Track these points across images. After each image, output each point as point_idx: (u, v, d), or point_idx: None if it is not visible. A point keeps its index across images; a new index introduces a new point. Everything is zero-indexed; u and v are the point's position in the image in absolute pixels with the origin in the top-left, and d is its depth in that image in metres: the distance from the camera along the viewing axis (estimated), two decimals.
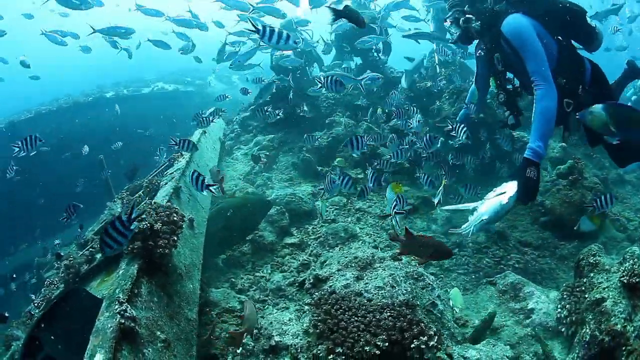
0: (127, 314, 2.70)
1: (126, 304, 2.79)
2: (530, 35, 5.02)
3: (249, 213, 6.16)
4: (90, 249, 5.62)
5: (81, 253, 6.07)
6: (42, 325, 3.18)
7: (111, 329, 2.60)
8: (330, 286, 4.50)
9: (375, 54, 12.20)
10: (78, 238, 7.50)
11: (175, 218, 3.82)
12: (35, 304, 5.42)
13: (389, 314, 3.93)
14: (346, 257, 4.95)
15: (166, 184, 5.49)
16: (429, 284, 4.60)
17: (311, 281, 4.87)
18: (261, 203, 6.43)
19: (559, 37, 5.35)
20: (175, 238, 3.69)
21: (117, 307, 2.73)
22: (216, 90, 21.11)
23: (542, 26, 5.20)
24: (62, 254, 6.87)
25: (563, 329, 4.27)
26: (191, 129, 11.80)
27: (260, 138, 10.66)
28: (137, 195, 6.86)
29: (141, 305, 3.00)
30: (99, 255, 5.36)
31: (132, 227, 3.23)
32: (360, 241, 6.01)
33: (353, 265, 4.77)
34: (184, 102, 18.13)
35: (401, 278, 4.47)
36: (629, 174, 8.91)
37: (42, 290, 5.82)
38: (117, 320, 2.65)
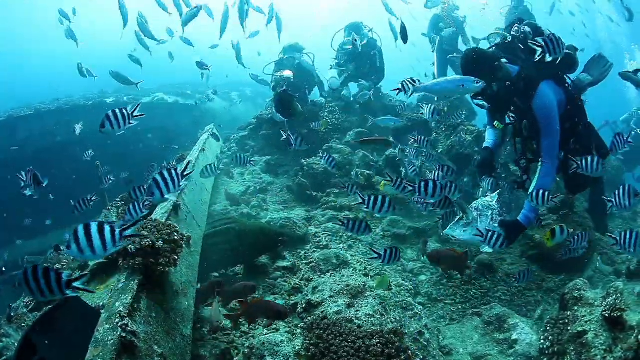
0: (129, 329, 2.79)
1: (127, 318, 2.88)
2: (555, 116, 5.65)
3: (260, 243, 6.27)
4: None
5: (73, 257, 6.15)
6: (38, 329, 3.26)
7: (112, 341, 2.69)
8: (323, 311, 4.65)
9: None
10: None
11: (176, 237, 3.91)
12: (25, 303, 5.46)
13: (377, 340, 4.06)
14: (338, 285, 5.09)
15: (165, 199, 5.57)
16: (417, 313, 4.78)
17: (304, 306, 4.99)
18: (275, 238, 6.49)
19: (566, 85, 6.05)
20: (176, 257, 3.78)
21: (118, 320, 2.82)
22: (215, 105, 21.19)
23: (557, 85, 5.91)
24: (61, 247, 6.92)
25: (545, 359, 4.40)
26: (187, 145, 11.89)
27: (257, 159, 10.77)
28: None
29: (140, 319, 3.09)
30: (91, 263, 5.44)
31: None
32: (352, 268, 6.11)
33: (345, 292, 4.91)
34: (183, 114, 18.15)
35: (391, 307, 4.65)
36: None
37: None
38: (119, 333, 2.74)
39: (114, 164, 10.65)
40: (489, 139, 6.64)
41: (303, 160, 9.27)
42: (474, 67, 5.59)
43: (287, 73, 11.01)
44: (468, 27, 14.01)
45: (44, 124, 15.16)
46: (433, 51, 13.85)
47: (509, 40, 6.11)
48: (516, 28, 6.08)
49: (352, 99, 12.32)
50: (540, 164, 5.68)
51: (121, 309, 2.98)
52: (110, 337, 2.73)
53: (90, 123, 15.61)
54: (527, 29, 6.05)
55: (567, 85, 6.09)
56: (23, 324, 4.22)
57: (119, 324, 2.79)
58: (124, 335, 2.74)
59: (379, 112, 11.19)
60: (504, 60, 5.70)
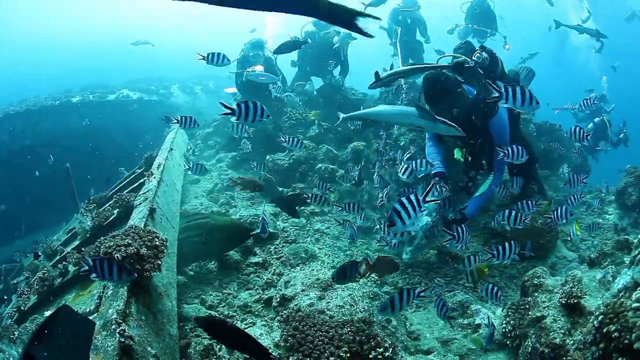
0: (126, 334, 3.02)
1: (124, 324, 3.12)
2: (507, 134, 6.38)
3: (231, 236, 6.49)
4: (64, 262, 5.85)
5: (52, 263, 6.29)
6: (36, 343, 3.44)
7: (112, 347, 2.92)
8: (296, 305, 4.96)
9: (335, 75, 12.62)
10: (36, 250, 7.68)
11: (157, 243, 4.12)
12: (8, 314, 5.57)
13: (349, 329, 4.43)
14: (309, 279, 5.39)
15: (140, 204, 5.75)
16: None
17: (278, 300, 5.29)
18: (243, 231, 6.71)
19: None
20: (159, 262, 4.00)
21: (115, 326, 3.06)
22: (179, 100, 21.23)
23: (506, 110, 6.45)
24: (39, 253, 7.04)
25: (508, 342, 4.74)
26: (154, 140, 12.00)
27: (222, 155, 10.96)
28: (103, 208, 7.04)
29: (133, 323, 3.31)
30: (71, 269, 5.61)
31: None
32: (320, 261, 6.43)
33: (315, 286, 5.23)
34: (147, 111, 18.11)
35: (359, 298, 4.96)
36: (586, 195, 9.50)
37: (14, 299, 5.98)
38: (117, 339, 2.97)
39: (85, 164, 10.75)
40: (436, 159, 6.81)
41: (268, 157, 9.50)
42: (440, 93, 6.07)
43: (259, 68, 11.20)
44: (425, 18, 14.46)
45: (14, 126, 15.08)
46: (391, 43, 14.16)
47: (471, 64, 6.52)
48: (478, 54, 6.54)
49: (314, 92, 12.56)
50: (493, 175, 6.42)
51: (115, 315, 3.22)
52: (109, 343, 2.96)
53: (58, 123, 15.57)
54: (486, 55, 6.49)
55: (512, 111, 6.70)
56: (11, 336, 4.37)
57: (117, 330, 3.01)
58: (122, 340, 2.97)
59: (341, 105, 11.37)
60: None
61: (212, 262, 6.43)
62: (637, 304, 2.82)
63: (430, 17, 14.56)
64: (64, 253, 6.64)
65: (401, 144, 9.08)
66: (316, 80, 13.26)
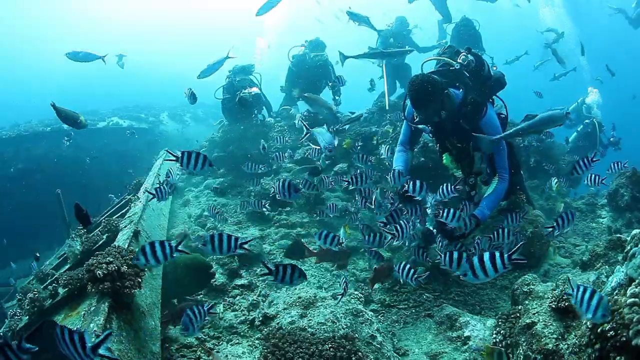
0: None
1: None
2: (501, 133, 6.22)
3: (195, 275, 6.17)
4: (54, 284, 5.89)
5: (43, 286, 6.32)
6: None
7: None
8: (278, 323, 4.99)
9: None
10: (32, 268, 7.70)
11: None
12: (1, 334, 5.60)
13: (330, 345, 4.44)
14: (291, 297, 5.41)
15: (126, 226, 5.83)
16: (368, 319, 5.10)
17: (260, 319, 5.32)
18: (206, 270, 6.24)
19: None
20: (140, 280, 4.06)
21: (94, 339, 3.11)
22: (168, 128, 21.30)
23: (491, 106, 6.48)
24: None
25: None
26: (143, 168, 12.05)
27: (211, 181, 11.01)
28: (92, 233, 7.08)
29: (113, 338, 3.36)
30: (61, 290, 5.65)
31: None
32: (306, 282, 6.42)
33: (297, 304, 5.25)
34: (138, 138, 18.14)
35: (341, 315, 4.98)
36: (577, 201, 9.59)
37: (6, 321, 6.01)
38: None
39: (74, 191, 10.74)
40: (399, 165, 6.78)
41: (255, 181, 9.57)
42: (427, 97, 5.85)
43: (255, 90, 11.36)
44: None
45: (4, 151, 15.11)
46: (380, 65, 14.23)
47: (456, 67, 6.43)
48: (463, 56, 6.45)
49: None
50: (499, 176, 6.26)
51: (95, 329, 3.28)
52: None
53: (50, 149, 15.57)
54: (471, 57, 6.48)
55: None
56: None
57: None
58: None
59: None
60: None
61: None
62: (632, 299, 2.72)
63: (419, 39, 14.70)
64: (55, 276, 6.69)
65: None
66: (302, 105, 13.35)
